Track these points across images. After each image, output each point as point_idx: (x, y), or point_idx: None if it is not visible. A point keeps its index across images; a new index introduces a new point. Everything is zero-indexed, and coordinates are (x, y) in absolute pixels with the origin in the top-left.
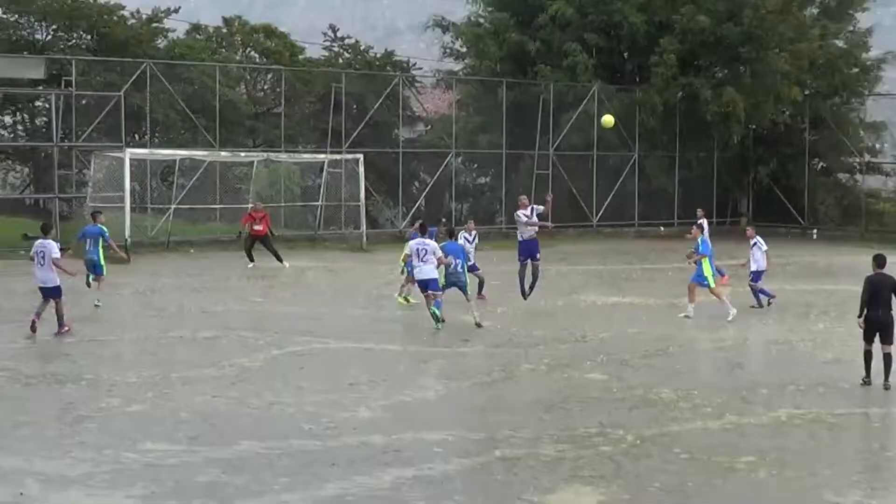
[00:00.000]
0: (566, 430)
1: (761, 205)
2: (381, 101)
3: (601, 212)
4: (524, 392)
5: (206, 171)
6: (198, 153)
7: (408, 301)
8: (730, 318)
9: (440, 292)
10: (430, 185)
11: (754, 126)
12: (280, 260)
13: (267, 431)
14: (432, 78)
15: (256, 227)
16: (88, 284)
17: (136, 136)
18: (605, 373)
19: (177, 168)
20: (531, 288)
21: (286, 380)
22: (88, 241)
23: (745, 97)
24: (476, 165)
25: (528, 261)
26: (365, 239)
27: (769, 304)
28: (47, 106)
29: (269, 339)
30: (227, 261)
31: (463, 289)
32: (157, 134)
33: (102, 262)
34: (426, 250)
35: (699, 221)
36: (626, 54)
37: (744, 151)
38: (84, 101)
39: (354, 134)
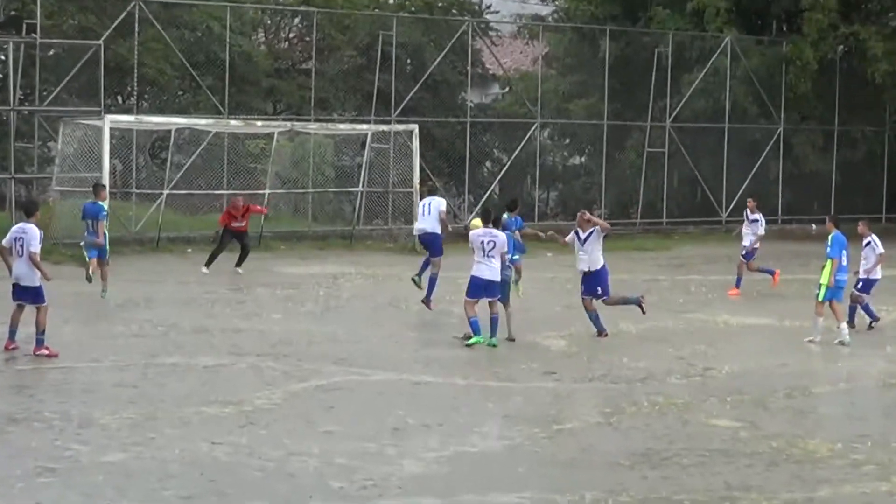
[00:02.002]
0: (680, 492)
1: None
2: (443, 54)
3: (733, 203)
4: (625, 441)
5: (211, 146)
6: (200, 122)
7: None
8: (813, 339)
9: (497, 299)
10: (506, 167)
11: None
12: (209, 263)
13: (284, 490)
14: (512, 25)
15: (237, 225)
16: (89, 279)
17: (120, 98)
18: (734, 418)
19: (172, 141)
20: (637, 303)
21: (310, 422)
22: (89, 221)
23: None
24: (568, 141)
25: (591, 298)
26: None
27: (870, 326)
28: (3, 58)
29: (289, 369)
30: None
31: (505, 287)
32: (146, 96)
33: (107, 244)
34: (494, 243)
35: (751, 216)
36: None
37: None
38: (52, 53)
39: (408, 98)
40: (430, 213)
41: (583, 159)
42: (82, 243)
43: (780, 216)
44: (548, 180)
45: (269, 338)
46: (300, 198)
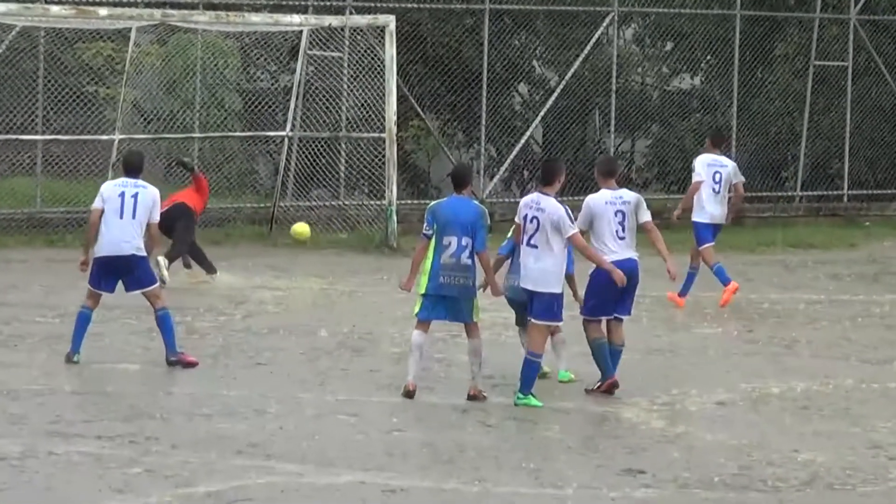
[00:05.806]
0: None
1: None
2: None
3: None
4: None
5: (15, 53)
6: None
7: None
8: None
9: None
10: (555, 94)
11: None
12: (209, 268)
13: None
14: None
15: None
16: None
17: None
18: None
19: None
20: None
21: None
22: None
23: None
24: (669, 47)
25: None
26: (395, 222)
27: None
28: None
29: (157, 464)
30: (66, 270)
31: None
32: None
33: None
34: (537, 220)
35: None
36: None
37: None
38: None
39: None
40: (133, 213)
41: (696, 81)
42: None
43: None
44: (633, 118)
45: (119, 405)
46: (179, 149)
